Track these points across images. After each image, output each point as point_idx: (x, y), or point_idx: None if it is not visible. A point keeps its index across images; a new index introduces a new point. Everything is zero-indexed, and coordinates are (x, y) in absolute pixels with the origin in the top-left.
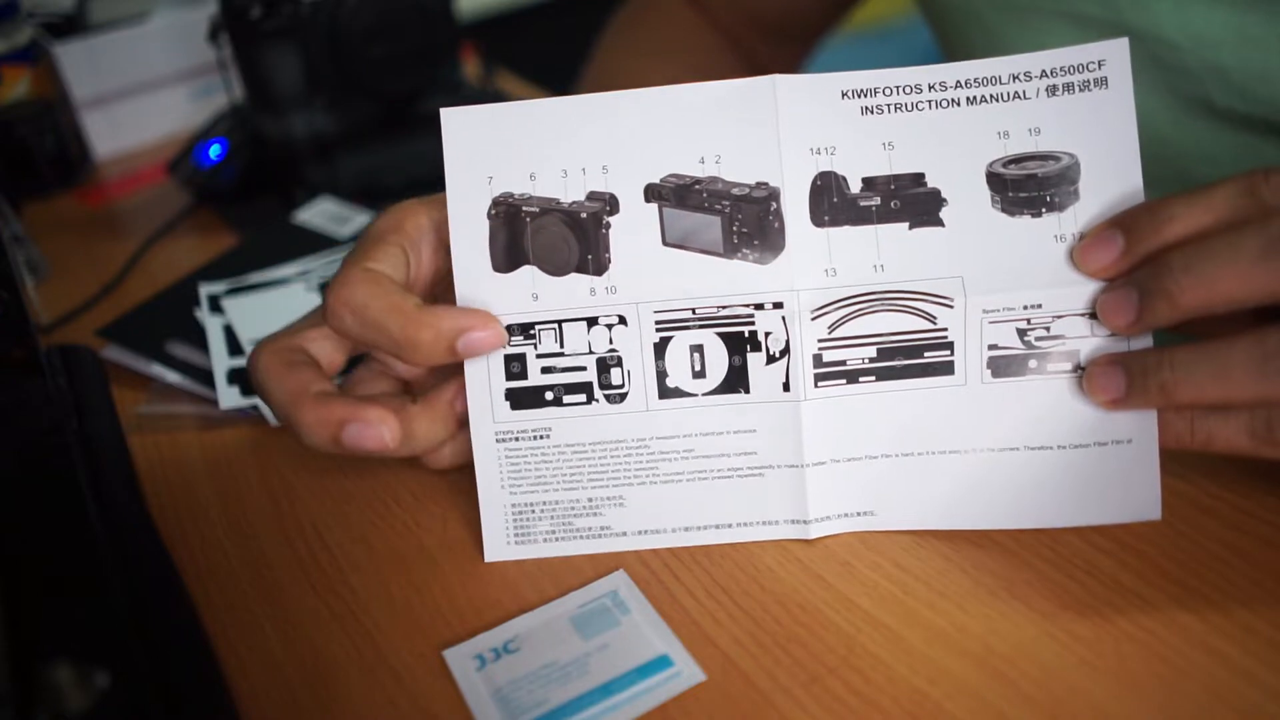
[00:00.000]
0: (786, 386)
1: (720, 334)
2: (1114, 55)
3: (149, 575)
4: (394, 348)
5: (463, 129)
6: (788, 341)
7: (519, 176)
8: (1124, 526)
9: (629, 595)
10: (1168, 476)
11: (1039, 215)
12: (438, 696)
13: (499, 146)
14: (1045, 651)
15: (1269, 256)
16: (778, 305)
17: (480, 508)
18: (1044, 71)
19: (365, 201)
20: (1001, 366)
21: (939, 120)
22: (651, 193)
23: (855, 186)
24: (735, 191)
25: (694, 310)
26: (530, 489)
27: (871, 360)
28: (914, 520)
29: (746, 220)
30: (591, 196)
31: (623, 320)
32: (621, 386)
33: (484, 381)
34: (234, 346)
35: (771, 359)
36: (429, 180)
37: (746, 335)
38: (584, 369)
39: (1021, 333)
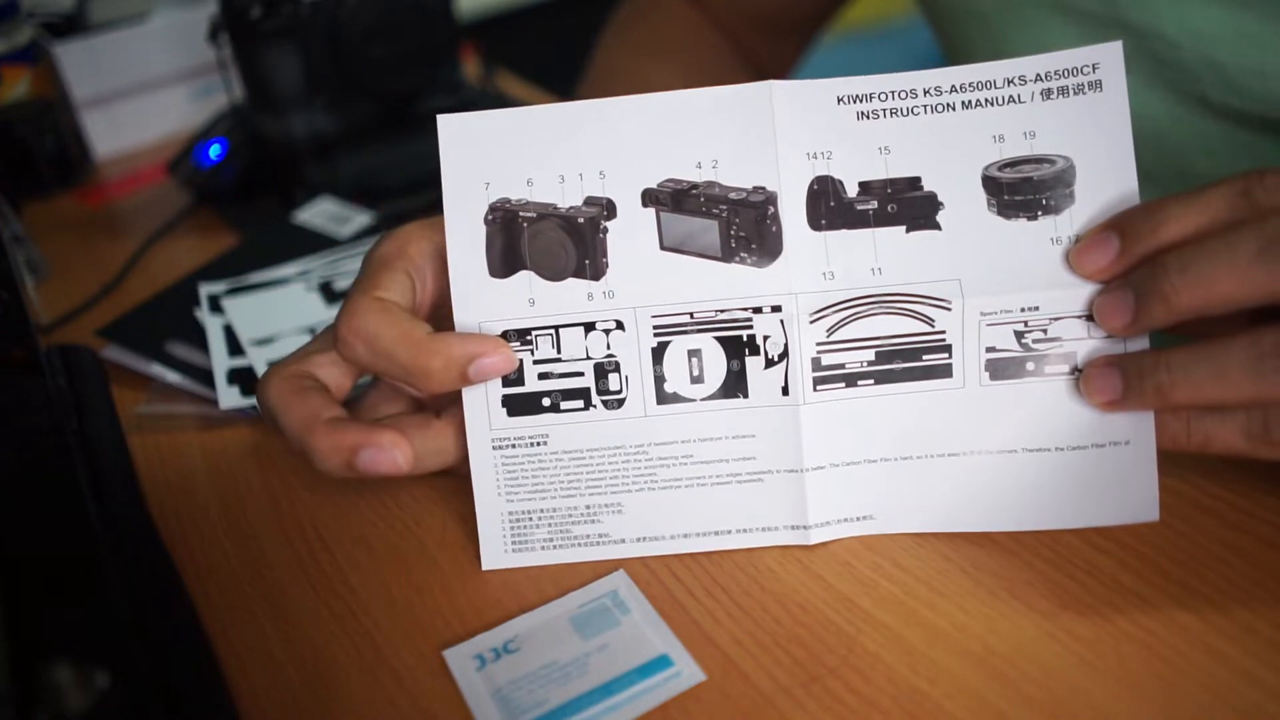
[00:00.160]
0: (785, 390)
1: (718, 338)
2: (1108, 58)
3: (149, 575)
4: (405, 376)
5: (460, 135)
6: (786, 345)
7: (516, 182)
8: (1124, 527)
9: (629, 595)
10: (1166, 477)
11: (1035, 218)
12: (438, 696)
13: (496, 152)
14: (1045, 651)
15: (1265, 257)
16: (776, 309)
17: (477, 516)
18: (1038, 75)
19: (365, 201)
20: (999, 369)
21: (934, 124)
22: (649, 197)
23: (852, 190)
24: (732, 196)
25: (692, 314)
26: (528, 496)
27: (870, 364)
28: (913, 524)
29: (744, 224)
30: (589, 201)
31: (620, 325)
32: (619, 392)
33: (480, 388)
34: (234, 346)
35: (770, 363)
36: (429, 180)
37: (745, 339)
38: (581, 374)
39: (1019, 335)
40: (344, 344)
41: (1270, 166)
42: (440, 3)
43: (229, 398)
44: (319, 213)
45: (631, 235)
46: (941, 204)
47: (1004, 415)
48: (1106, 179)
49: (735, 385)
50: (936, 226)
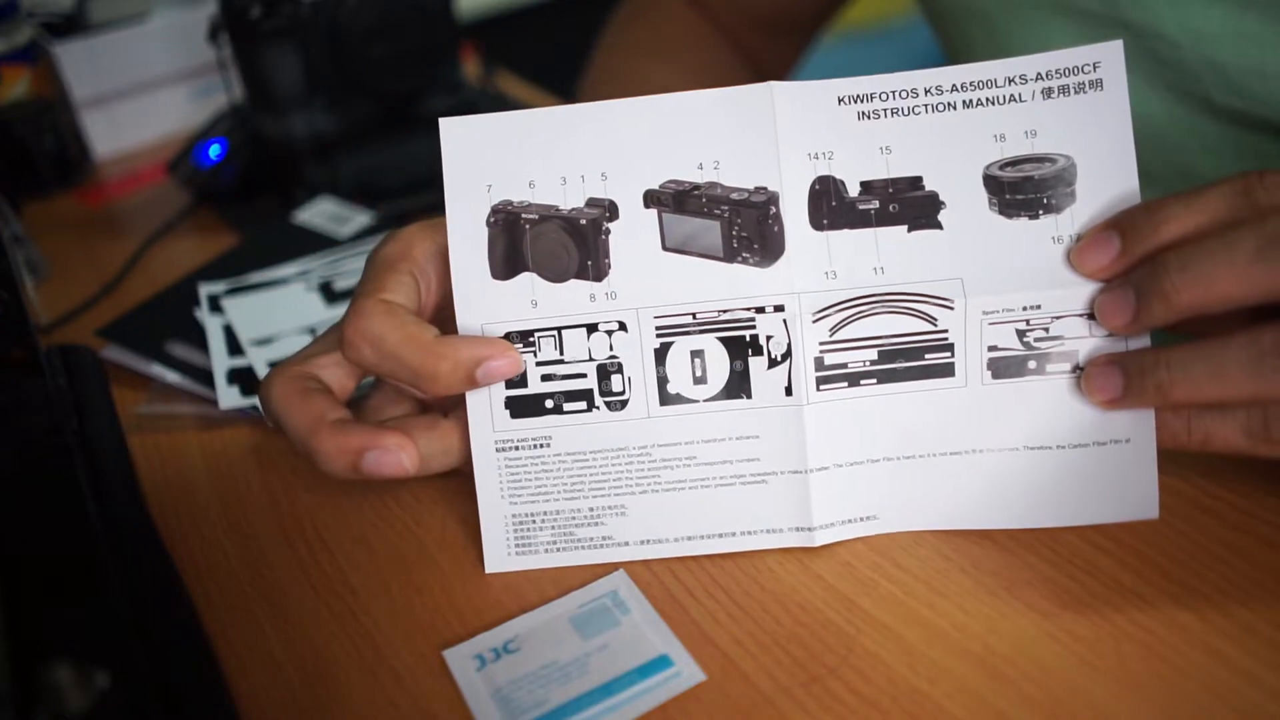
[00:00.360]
0: (789, 391)
1: (721, 339)
2: (1109, 57)
3: (149, 575)
4: (412, 379)
5: (462, 138)
6: (789, 345)
7: (518, 184)
8: (1124, 526)
9: (629, 595)
10: (1167, 476)
11: (1036, 217)
12: (438, 696)
13: (498, 155)
14: (1045, 651)
15: (1264, 256)
16: (779, 309)
17: (480, 519)
18: (1039, 74)
19: (365, 201)
20: (1001, 368)
21: (935, 124)
22: (651, 198)
23: (854, 190)
24: (734, 196)
25: (694, 315)
26: (531, 499)
27: (873, 363)
28: (916, 523)
29: (746, 224)
30: (591, 203)
31: (623, 326)
32: (622, 393)
33: (483, 391)
34: (234, 346)
35: (773, 363)
36: (429, 180)
37: (748, 339)
38: (584, 376)
39: (1021, 334)
40: (350, 346)
41: (1270, 166)
42: (440, 3)
43: (229, 398)
44: (319, 213)
45: (633, 236)
46: (943, 203)
47: (1006, 414)
48: (1107, 178)
49: (738, 386)
50: (938, 226)
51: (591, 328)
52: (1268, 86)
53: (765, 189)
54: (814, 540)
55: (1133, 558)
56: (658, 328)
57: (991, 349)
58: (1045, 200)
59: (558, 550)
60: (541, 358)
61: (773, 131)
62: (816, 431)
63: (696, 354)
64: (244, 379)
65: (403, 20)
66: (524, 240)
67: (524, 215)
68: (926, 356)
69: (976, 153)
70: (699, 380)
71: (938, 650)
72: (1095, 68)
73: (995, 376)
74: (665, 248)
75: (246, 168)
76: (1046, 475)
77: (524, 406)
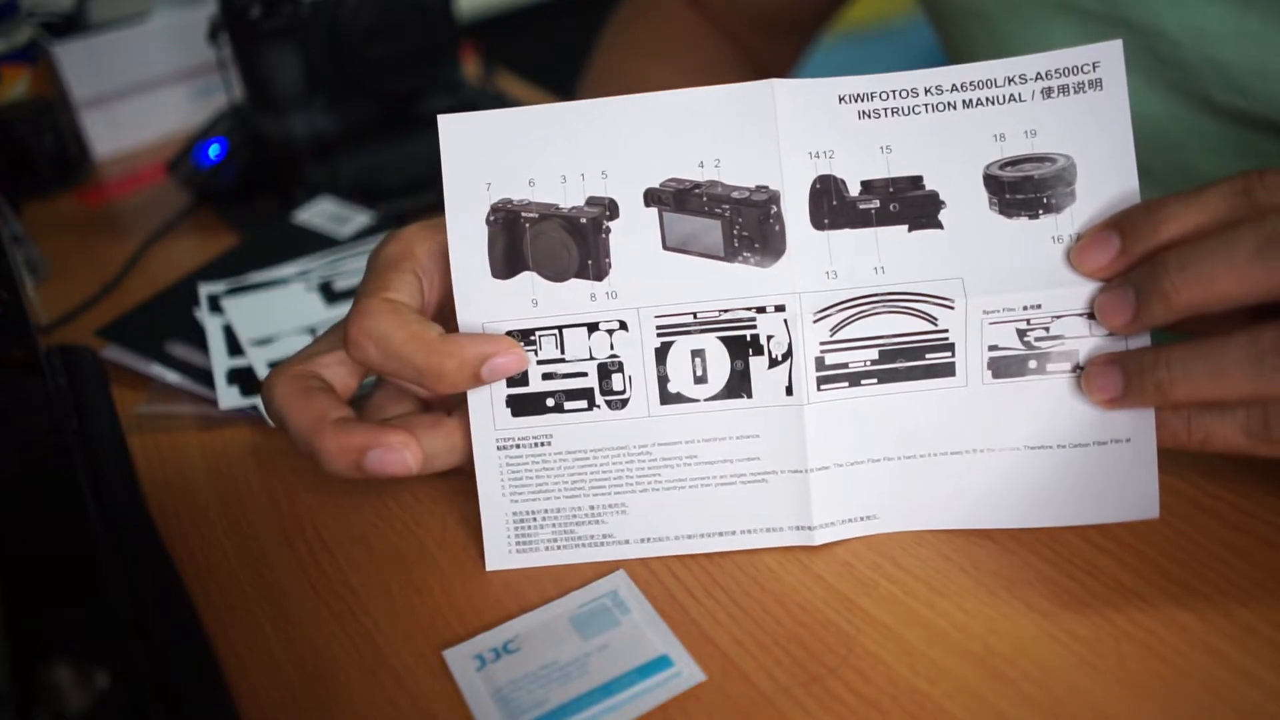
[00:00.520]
0: (789, 390)
1: (722, 338)
2: (1108, 57)
3: (149, 575)
4: (418, 377)
5: (461, 136)
6: (790, 344)
7: (518, 183)
8: (1124, 526)
9: (629, 595)
10: (1167, 476)
11: (1036, 217)
12: (438, 696)
13: (497, 153)
14: (1045, 651)
15: (1264, 255)
16: (779, 308)
17: (481, 516)
18: (1039, 74)
19: (365, 201)
20: (1002, 367)
21: (936, 123)
22: (651, 197)
23: (854, 190)
24: (735, 195)
25: (695, 314)
26: (532, 497)
27: (873, 363)
28: (916, 523)
29: (747, 224)
30: (591, 202)
31: (624, 325)
32: (623, 392)
33: (485, 389)
34: (234, 346)
35: (774, 362)
36: (429, 180)
37: (748, 339)
38: (585, 375)
39: (1021, 333)
40: (354, 345)
41: (1271, 165)
42: (440, 3)
43: (229, 398)
44: (319, 213)
45: (634, 235)
46: (943, 203)
47: (1006, 413)
48: (1107, 177)
49: (739, 385)
50: (938, 225)
51: (592, 327)
52: (1268, 85)
53: (766, 188)
54: (814, 539)
55: (1133, 558)
56: (658, 327)
57: (992, 348)
58: (1045, 200)
59: (558, 548)
60: (542, 356)
61: (774, 130)
62: (817, 431)
63: (697, 353)
64: (244, 379)
65: (403, 20)
66: (524, 239)
67: (524, 213)
68: (927, 356)
69: (976, 152)
70: (699, 379)
71: (938, 650)
72: (1095, 67)
73: (996, 376)
74: (666, 247)
75: (246, 168)
76: (1047, 475)
77: (525, 405)
